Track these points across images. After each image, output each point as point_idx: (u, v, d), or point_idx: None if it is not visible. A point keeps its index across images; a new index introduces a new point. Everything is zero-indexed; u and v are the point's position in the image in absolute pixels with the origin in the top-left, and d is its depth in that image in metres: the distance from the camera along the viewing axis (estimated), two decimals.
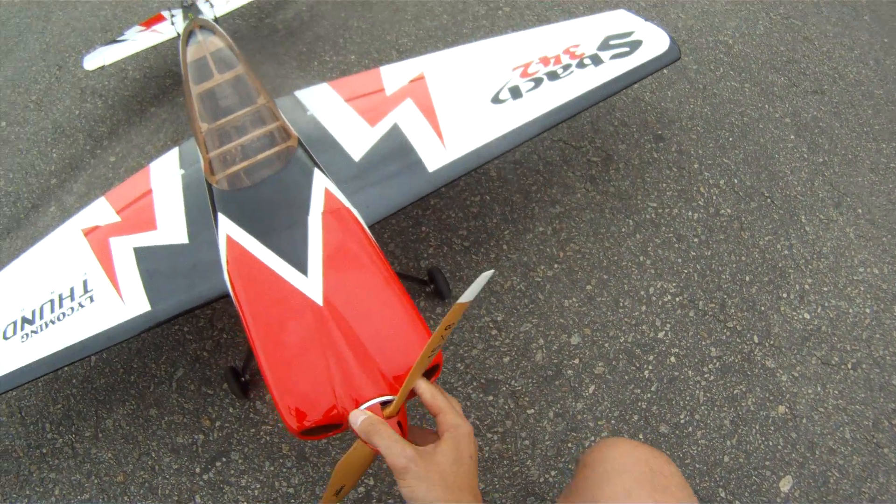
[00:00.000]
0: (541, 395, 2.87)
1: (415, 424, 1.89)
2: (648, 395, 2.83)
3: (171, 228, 2.78)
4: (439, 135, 2.82)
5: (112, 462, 2.99)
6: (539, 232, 3.34)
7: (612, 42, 3.08)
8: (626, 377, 2.88)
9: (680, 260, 3.19)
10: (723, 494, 2.66)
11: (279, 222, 2.43)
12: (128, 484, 2.92)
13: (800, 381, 2.82)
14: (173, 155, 3.14)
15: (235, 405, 3.03)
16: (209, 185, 2.71)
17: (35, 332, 2.64)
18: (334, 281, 2.21)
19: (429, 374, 1.95)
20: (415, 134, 2.84)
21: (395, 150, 2.81)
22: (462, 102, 2.96)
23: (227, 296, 2.48)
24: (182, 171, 3.01)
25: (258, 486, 2.83)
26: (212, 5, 4.32)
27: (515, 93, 2.93)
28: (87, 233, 2.94)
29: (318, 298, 2.17)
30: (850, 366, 2.89)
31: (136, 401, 3.14)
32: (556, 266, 3.22)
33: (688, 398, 2.82)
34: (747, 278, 3.12)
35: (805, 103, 3.81)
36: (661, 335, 2.97)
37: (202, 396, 3.09)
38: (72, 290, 2.73)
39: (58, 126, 4.74)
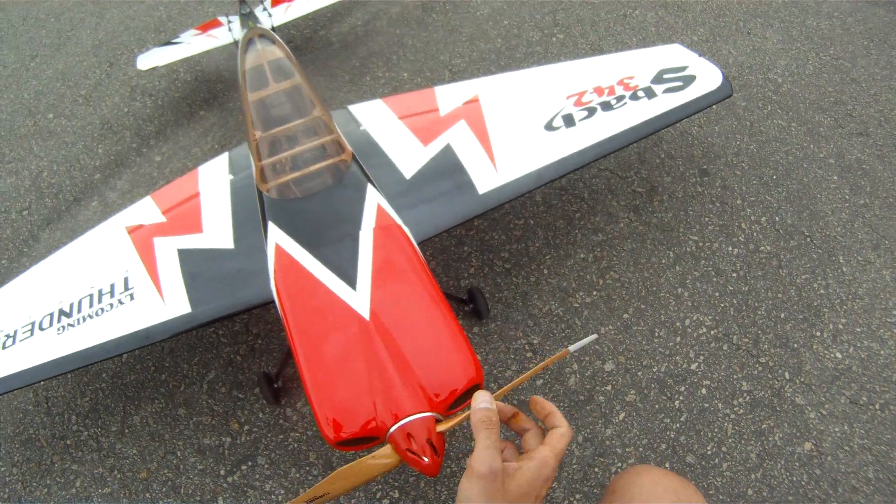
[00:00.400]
0: (571, 420, 2.85)
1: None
2: (677, 425, 2.81)
3: (217, 233, 2.80)
4: (491, 158, 2.83)
5: (136, 458, 3.00)
6: (580, 258, 3.34)
7: (665, 76, 3.09)
8: (657, 406, 2.86)
9: (717, 294, 3.18)
10: None
11: (330, 235, 2.46)
12: (151, 481, 2.93)
13: (828, 419, 2.79)
14: (223, 160, 3.18)
15: (265, 410, 3.04)
16: (260, 193, 2.74)
17: (72, 326, 2.66)
18: (382, 296, 2.23)
19: (470, 390, 1.98)
20: (467, 155, 2.86)
21: (447, 170, 2.83)
22: (515, 127, 2.97)
23: (270, 303, 2.51)
24: (231, 177, 3.04)
25: (282, 492, 2.82)
26: (270, 14, 4.39)
27: (569, 121, 2.94)
28: (132, 231, 2.97)
29: (365, 312, 2.19)
30: (878, 406, 2.86)
31: (166, 399, 3.15)
32: (594, 293, 3.21)
33: (716, 430, 2.79)
34: (782, 315, 3.10)
35: (850, 145, 3.78)
36: (693, 367, 2.95)
37: (233, 400, 3.09)
38: (112, 286, 2.75)
39: (105, 122, 4.79)
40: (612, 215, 3.48)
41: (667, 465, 2.73)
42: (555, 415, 1.66)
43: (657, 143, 3.79)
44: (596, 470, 2.73)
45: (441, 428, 1.80)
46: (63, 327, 2.67)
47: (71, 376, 3.30)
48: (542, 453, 1.56)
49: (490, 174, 2.77)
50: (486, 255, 3.38)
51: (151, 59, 4.41)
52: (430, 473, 1.81)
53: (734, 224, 3.41)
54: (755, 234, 3.37)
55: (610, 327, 3.08)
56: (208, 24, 4.67)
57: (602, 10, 4.88)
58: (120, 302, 2.67)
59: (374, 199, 2.55)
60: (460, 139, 2.93)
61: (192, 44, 4.45)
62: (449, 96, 3.18)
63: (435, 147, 2.91)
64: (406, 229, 2.47)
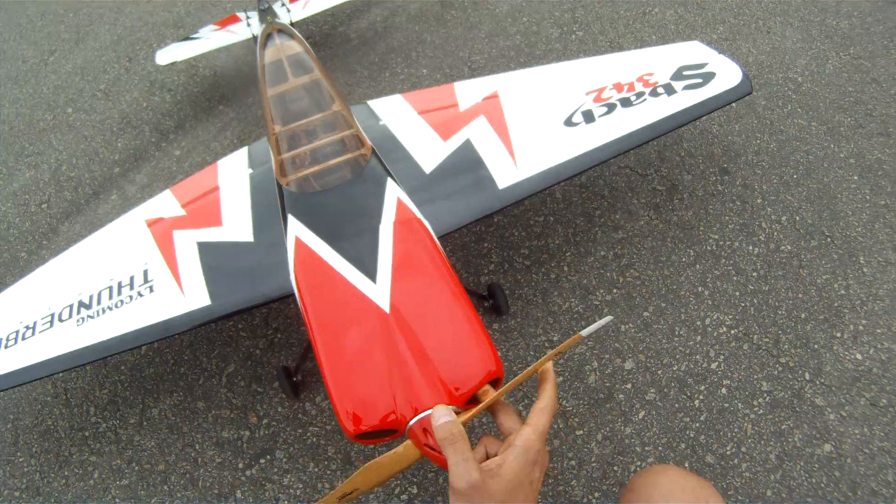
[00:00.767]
0: (591, 417, 2.85)
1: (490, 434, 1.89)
2: (697, 425, 2.80)
3: (237, 226, 2.81)
4: (511, 153, 2.83)
5: (155, 450, 3.02)
6: (600, 256, 3.34)
7: (685, 73, 3.08)
8: (677, 405, 2.85)
9: (738, 293, 3.16)
10: None
11: (350, 228, 2.46)
12: (169, 473, 2.95)
13: (847, 421, 2.77)
14: (242, 154, 3.19)
15: (284, 404, 3.05)
16: (280, 187, 2.75)
17: (91, 317, 2.68)
18: (402, 289, 2.23)
19: (492, 382, 1.97)
20: (487, 150, 2.85)
21: (467, 165, 2.83)
22: (535, 123, 2.97)
23: (289, 296, 2.51)
24: (251, 171, 3.05)
25: (300, 486, 2.84)
26: (288, 10, 4.40)
27: (588, 117, 2.94)
28: (151, 224, 2.99)
29: (385, 305, 2.18)
30: None
31: (185, 392, 3.17)
32: (615, 291, 3.21)
33: (736, 430, 2.78)
34: (803, 315, 3.08)
35: (870, 145, 3.76)
36: (713, 366, 2.94)
37: (251, 393, 3.11)
38: (132, 278, 2.77)
39: (124, 116, 4.82)
40: (633, 213, 3.47)
41: (686, 464, 2.72)
42: (542, 386, 1.66)
43: (677, 140, 3.78)
44: (615, 468, 2.73)
45: (459, 420, 1.79)
46: (82, 319, 2.68)
47: (89, 368, 3.33)
48: (523, 436, 1.56)
49: (510, 169, 2.76)
50: (506, 252, 3.38)
51: (170, 54, 4.43)
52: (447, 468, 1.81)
53: (754, 223, 3.39)
54: (776, 233, 3.35)
55: (630, 325, 3.07)
56: (227, 20, 4.69)
57: (621, 7, 4.87)
58: (139, 294, 2.69)
59: (394, 193, 2.55)
60: (480, 134, 2.92)
61: (211, 39, 4.47)
62: (468, 92, 3.18)
63: (455, 142, 2.91)
64: (426, 223, 2.47)
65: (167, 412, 3.13)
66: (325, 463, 2.87)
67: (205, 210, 2.95)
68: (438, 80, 4.53)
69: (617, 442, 2.79)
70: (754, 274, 3.21)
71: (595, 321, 1.51)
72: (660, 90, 3.01)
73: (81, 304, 2.75)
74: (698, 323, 3.06)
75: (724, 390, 2.86)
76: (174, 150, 4.41)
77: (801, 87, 4.08)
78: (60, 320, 2.72)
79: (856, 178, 3.57)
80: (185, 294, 2.63)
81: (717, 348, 2.98)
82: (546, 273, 3.29)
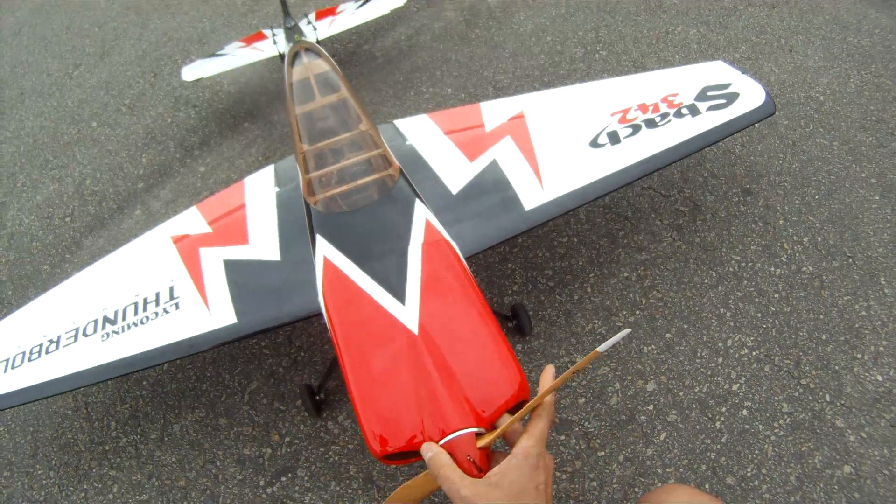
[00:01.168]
0: (612, 439, 2.85)
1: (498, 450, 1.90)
2: (718, 446, 2.79)
3: (264, 244, 2.83)
4: (537, 174, 2.84)
5: (175, 466, 3.03)
6: (623, 277, 3.34)
7: (709, 93, 3.08)
8: (698, 427, 2.85)
9: (759, 314, 3.16)
10: None
11: (379, 249, 2.47)
12: (189, 489, 2.95)
13: (867, 443, 2.75)
14: (268, 172, 3.21)
15: (307, 423, 3.05)
16: (307, 206, 2.76)
17: (116, 333, 2.69)
18: (430, 311, 2.24)
19: (516, 406, 1.97)
20: (513, 171, 2.86)
21: (493, 186, 2.84)
22: (561, 143, 2.98)
23: (316, 315, 2.52)
24: (277, 189, 3.07)
25: None
26: (315, 28, 4.44)
27: (614, 138, 2.95)
28: (177, 240, 3.01)
29: (414, 327, 2.19)
30: None
31: (206, 409, 3.18)
32: (637, 312, 3.21)
33: (756, 452, 2.77)
34: (824, 337, 3.07)
35: (891, 164, 3.74)
36: (735, 387, 2.93)
37: (274, 411, 3.12)
38: (157, 295, 2.78)
39: (149, 132, 4.86)
40: (656, 234, 3.48)
41: (706, 486, 2.71)
42: (539, 393, 1.69)
43: (700, 161, 3.79)
44: (636, 490, 2.72)
45: (482, 443, 1.80)
46: (107, 334, 2.70)
47: (111, 383, 3.35)
48: (521, 445, 1.60)
49: (536, 191, 2.78)
50: (530, 273, 3.39)
51: (196, 70, 4.47)
52: None
53: (777, 244, 3.39)
54: (797, 254, 3.34)
55: (652, 347, 3.07)
56: (253, 37, 4.72)
57: (644, 27, 4.89)
58: (165, 311, 2.70)
59: (422, 214, 2.56)
60: (506, 155, 2.94)
61: (238, 56, 4.51)
62: (494, 112, 3.19)
63: (481, 163, 2.93)
64: (454, 244, 2.48)
65: (189, 428, 3.14)
66: (347, 482, 2.87)
67: (231, 228, 2.97)
68: (463, 99, 4.55)
69: (638, 463, 2.78)
70: (776, 295, 3.20)
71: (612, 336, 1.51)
72: (684, 111, 3.02)
73: (106, 319, 2.76)
74: (720, 344, 3.06)
75: (745, 412, 2.86)
76: (199, 167, 4.43)
77: (822, 107, 4.08)
78: (85, 335, 2.73)
79: (877, 197, 3.56)
80: (211, 312, 2.64)
81: (738, 370, 2.98)
82: (569, 294, 3.29)
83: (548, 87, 4.36)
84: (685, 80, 3.20)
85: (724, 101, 3.03)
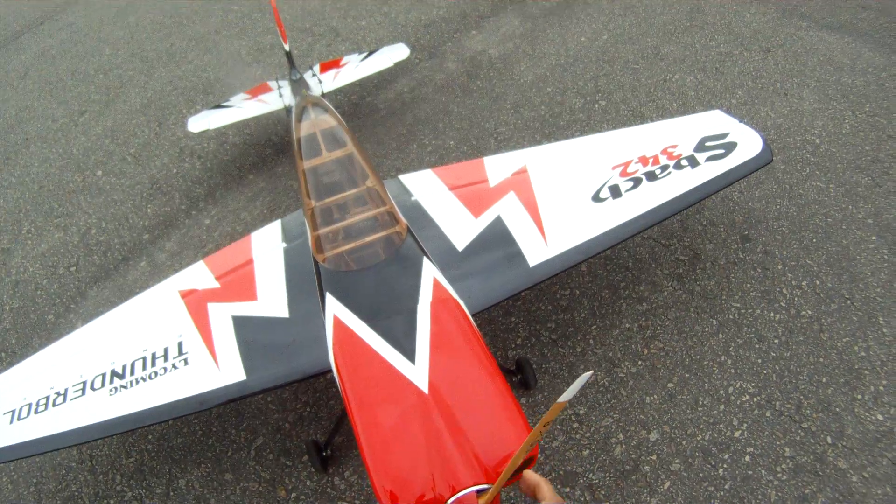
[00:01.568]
0: (617, 489, 2.86)
1: None
2: (721, 493, 2.80)
3: (272, 301, 2.86)
4: (541, 230, 2.88)
5: None
6: (625, 328, 3.37)
7: (707, 143, 3.14)
8: (701, 475, 2.85)
9: (760, 360, 3.18)
10: None
11: (388, 308, 2.50)
12: None
13: (870, 482, 2.76)
14: (275, 227, 3.24)
15: (313, 478, 3.05)
16: (316, 263, 2.79)
17: (125, 388, 2.71)
18: (440, 370, 2.27)
19: (524, 464, 2.01)
20: (517, 227, 2.91)
21: (498, 242, 2.88)
22: (563, 198, 3.03)
23: (325, 373, 2.55)
24: (285, 245, 3.10)
25: None
26: (320, 81, 4.52)
27: (615, 192, 3.00)
28: (185, 295, 3.03)
29: (424, 386, 2.23)
30: None
31: (212, 464, 3.19)
32: (639, 363, 3.23)
33: (760, 497, 2.77)
34: (824, 379, 3.09)
35: (888, 203, 3.79)
36: (737, 434, 2.95)
37: (280, 467, 3.12)
38: (166, 350, 2.80)
39: (154, 182, 4.91)
40: (656, 284, 3.51)
41: None
42: (539, 493, 1.72)
43: (699, 209, 3.83)
44: None
45: (483, 501, 1.85)
46: (115, 388, 2.72)
47: (116, 435, 3.32)
48: None
49: (540, 246, 2.82)
50: (534, 326, 3.42)
51: (202, 122, 4.53)
52: None
53: (775, 289, 3.42)
54: (796, 298, 3.37)
55: (654, 396, 3.09)
56: (258, 89, 4.80)
57: (643, 75, 4.97)
58: (174, 366, 2.72)
59: (430, 273, 2.60)
60: (510, 211, 2.98)
61: (244, 108, 4.57)
62: (498, 167, 3.25)
63: (486, 219, 2.97)
64: (461, 302, 2.52)
65: (194, 483, 3.14)
66: None
67: (239, 283, 2.99)
68: (466, 151, 4.61)
69: None
70: (776, 341, 3.23)
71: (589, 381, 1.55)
72: (684, 162, 3.08)
73: (115, 373, 2.78)
74: (721, 392, 3.08)
75: (747, 458, 2.87)
76: (204, 219, 4.47)
77: (819, 149, 4.13)
78: (93, 388, 2.75)
79: (874, 238, 3.60)
80: (220, 368, 2.66)
81: (740, 416, 3.00)
82: (572, 346, 3.32)
83: (549, 138, 4.48)
84: (684, 130, 3.27)
85: (722, 150, 3.09)
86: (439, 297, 2.51)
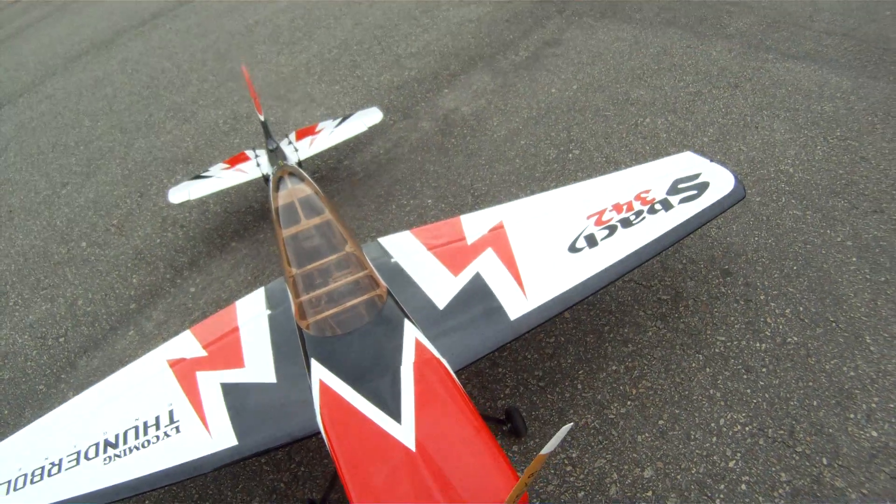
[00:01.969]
0: None
1: None
2: None
3: (259, 367, 2.89)
4: (520, 284, 2.92)
5: None
6: (612, 370, 3.39)
7: (680, 185, 3.21)
8: None
9: (749, 390, 3.20)
10: None
11: (372, 370, 2.55)
12: None
13: (869, 498, 2.78)
14: (259, 295, 3.28)
15: None
16: (300, 330, 2.84)
17: (119, 456, 2.72)
18: (426, 428, 2.32)
19: None
20: (497, 283, 2.95)
21: (478, 299, 2.92)
22: (541, 251, 3.07)
23: (315, 435, 2.57)
24: (269, 312, 3.14)
25: None
26: (296, 149, 4.59)
27: (591, 241, 3.04)
28: (173, 364, 3.05)
29: (411, 444, 2.27)
30: None
31: None
32: (629, 403, 3.25)
33: None
34: (815, 402, 3.11)
35: (865, 224, 3.86)
36: (731, 464, 2.96)
37: None
38: (157, 418, 2.82)
39: (138, 252, 4.94)
40: (640, 325, 3.54)
41: None
42: None
43: (678, 248, 3.88)
44: None
45: None
46: (109, 458, 2.73)
47: None
48: None
49: (519, 300, 2.86)
50: (521, 375, 3.44)
51: (182, 193, 4.58)
52: None
53: (759, 320, 3.46)
54: (781, 326, 3.41)
55: (646, 434, 3.11)
56: (236, 158, 4.87)
57: (614, 121, 5.05)
58: (166, 434, 2.74)
59: (411, 335, 2.65)
60: (489, 267, 3.03)
61: (223, 178, 4.63)
62: (475, 224, 3.30)
63: (465, 276, 3.01)
64: (444, 361, 2.56)
65: None
66: None
67: (226, 351, 3.02)
68: (444, 209, 4.66)
69: None
70: (763, 370, 3.26)
71: (563, 433, 1.57)
72: (657, 206, 3.13)
73: (108, 442, 2.79)
74: (713, 425, 3.10)
75: (743, 486, 2.88)
76: (189, 287, 4.50)
77: (793, 178, 4.19)
78: (87, 458, 2.76)
79: (854, 259, 3.64)
80: (211, 434, 2.68)
81: (733, 447, 3.01)
82: (561, 392, 3.33)
83: (525, 190, 4.54)
84: (656, 174, 3.33)
85: (695, 191, 3.15)
86: (422, 358, 2.56)
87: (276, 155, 4.34)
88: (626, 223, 3.08)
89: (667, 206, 3.11)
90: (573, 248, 3.04)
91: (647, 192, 3.22)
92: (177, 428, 2.76)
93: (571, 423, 1.77)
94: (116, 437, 2.81)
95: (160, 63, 7.75)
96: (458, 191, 4.78)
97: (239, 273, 4.51)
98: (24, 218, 5.46)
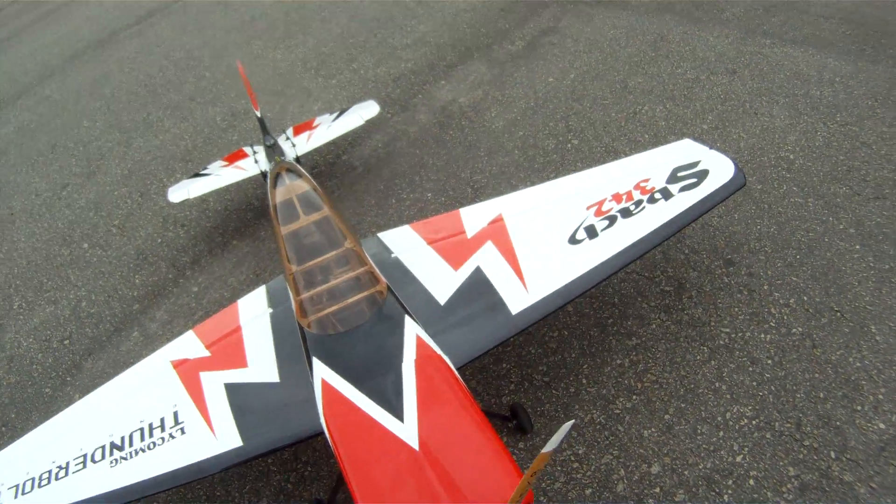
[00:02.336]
0: None
1: None
2: None
3: (262, 367, 2.88)
4: (521, 277, 2.91)
5: None
6: (617, 364, 3.37)
7: (679, 174, 3.19)
8: (706, 503, 2.85)
9: (755, 383, 3.19)
10: None
11: (374, 368, 2.54)
12: None
13: (878, 492, 2.76)
14: (261, 293, 3.27)
15: None
16: (301, 328, 2.83)
17: (125, 459, 2.72)
18: (429, 426, 2.31)
19: None
20: (497, 277, 2.94)
21: (479, 293, 2.91)
22: (541, 244, 3.06)
23: (319, 434, 2.56)
24: (270, 310, 3.13)
25: None
26: (293, 144, 4.58)
27: (591, 232, 3.03)
28: (177, 365, 3.05)
29: (414, 443, 2.26)
30: None
31: None
32: (634, 397, 3.23)
33: None
34: (821, 395, 3.09)
35: (868, 211, 3.84)
36: (739, 459, 2.94)
37: None
38: (162, 420, 2.82)
39: (140, 252, 4.94)
40: (644, 318, 3.53)
41: None
42: None
43: (680, 238, 3.86)
44: None
45: None
46: (115, 460, 2.73)
47: None
48: None
49: (521, 294, 2.85)
50: (525, 370, 3.42)
51: (182, 191, 4.58)
52: None
53: (764, 310, 3.44)
54: (785, 317, 3.39)
55: (652, 430, 3.10)
56: (234, 155, 4.85)
57: (612, 110, 5.03)
58: (171, 436, 2.74)
59: (412, 331, 2.64)
60: (489, 260, 3.02)
61: (222, 176, 4.62)
62: (474, 217, 3.28)
63: (465, 270, 3.00)
64: (445, 357, 2.55)
65: None
66: None
67: (229, 351, 3.02)
68: (443, 202, 4.64)
69: None
70: (769, 361, 3.24)
71: (572, 430, 1.57)
72: (657, 195, 3.11)
73: (114, 445, 2.79)
74: (719, 418, 3.08)
75: (751, 482, 2.87)
76: (192, 287, 4.49)
77: (794, 165, 4.17)
78: (94, 461, 2.76)
79: (858, 247, 3.62)
80: (216, 436, 2.68)
81: (740, 441, 3.00)
82: (566, 388, 3.32)
83: (524, 182, 4.52)
84: (655, 163, 3.31)
85: (695, 179, 3.13)
86: (423, 355, 2.55)
87: (273, 151, 4.33)
88: (626, 213, 3.07)
89: (666, 195, 3.09)
90: (573, 240, 3.02)
91: (646, 180, 3.20)
92: (182, 429, 2.76)
93: (573, 421, 1.76)
94: (122, 439, 2.81)
95: (157, 61, 7.73)
96: (458, 183, 4.76)
97: (241, 271, 4.50)
98: (25, 220, 5.46)
